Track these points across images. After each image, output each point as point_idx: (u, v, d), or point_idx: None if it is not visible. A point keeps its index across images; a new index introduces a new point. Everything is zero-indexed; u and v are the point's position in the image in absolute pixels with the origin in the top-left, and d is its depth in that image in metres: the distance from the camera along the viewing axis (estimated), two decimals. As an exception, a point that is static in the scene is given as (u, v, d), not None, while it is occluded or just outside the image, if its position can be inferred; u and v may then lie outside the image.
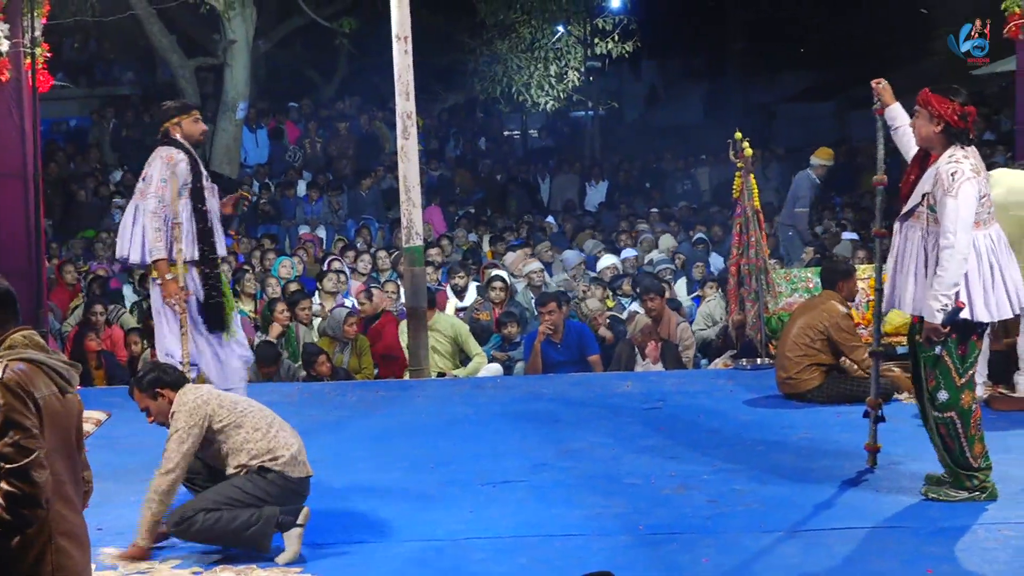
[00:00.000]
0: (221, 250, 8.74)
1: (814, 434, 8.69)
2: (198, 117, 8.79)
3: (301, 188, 21.41)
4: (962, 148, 6.79)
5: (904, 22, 29.71)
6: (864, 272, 10.98)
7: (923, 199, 6.85)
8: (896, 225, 7.09)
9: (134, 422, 9.58)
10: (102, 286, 14.72)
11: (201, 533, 6.50)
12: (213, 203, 8.65)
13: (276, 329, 12.62)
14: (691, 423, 9.17)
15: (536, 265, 14.72)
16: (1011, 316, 6.95)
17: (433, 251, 15.88)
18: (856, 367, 9.58)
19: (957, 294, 6.72)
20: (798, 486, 7.48)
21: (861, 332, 10.82)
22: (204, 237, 8.52)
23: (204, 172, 8.69)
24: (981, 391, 9.12)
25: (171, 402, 6.64)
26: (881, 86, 7.36)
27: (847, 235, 17.07)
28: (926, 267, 6.83)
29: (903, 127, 7.27)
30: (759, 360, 11.05)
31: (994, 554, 6.27)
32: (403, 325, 12.39)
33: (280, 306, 12.87)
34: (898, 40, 31.04)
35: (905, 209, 6.98)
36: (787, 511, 7.01)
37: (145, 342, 12.34)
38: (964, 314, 6.74)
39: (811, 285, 11.41)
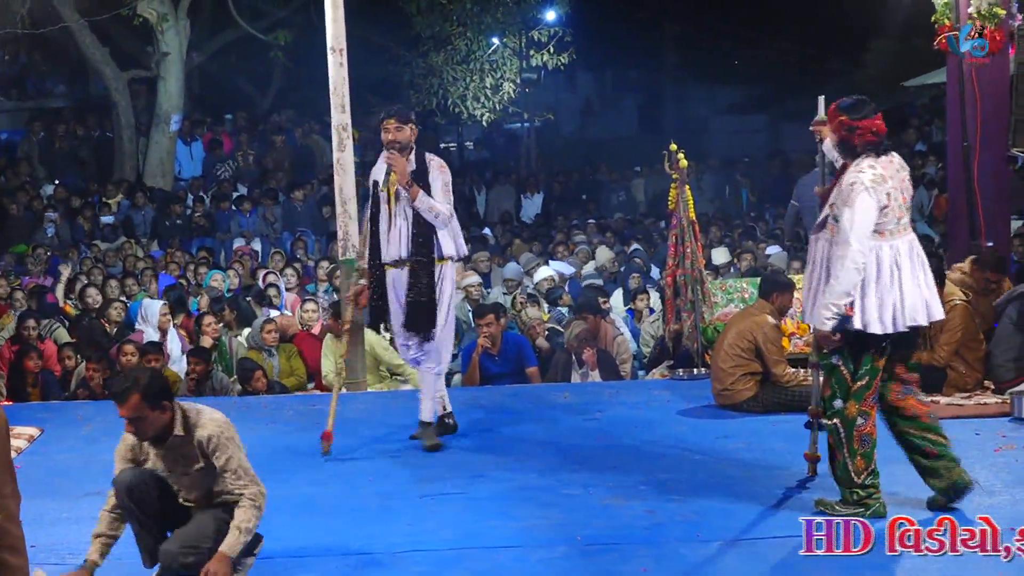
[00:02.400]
0: (393, 254, 8.82)
1: (751, 443, 8.73)
2: (386, 127, 8.89)
3: (236, 201, 21.29)
4: (871, 158, 6.79)
5: (836, 36, 30.03)
6: (800, 283, 11.06)
7: (831, 210, 6.89)
8: (812, 237, 7.14)
9: (68, 439, 9.52)
10: (38, 300, 14.58)
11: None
12: (397, 208, 8.78)
13: (207, 342, 12.53)
14: (628, 433, 9.19)
15: (475, 279, 14.72)
16: (904, 330, 6.84)
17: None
18: (776, 379, 9.63)
19: (852, 303, 6.73)
20: (736, 496, 7.51)
21: (796, 341, 10.92)
22: (371, 241, 8.90)
23: (378, 179, 8.89)
24: None
25: (173, 416, 6.26)
26: (817, 127, 7.36)
27: (771, 249, 17.06)
28: (828, 276, 6.84)
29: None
30: (696, 370, 11.10)
31: (930, 562, 6.33)
32: (326, 342, 12.36)
33: (209, 319, 12.80)
34: (830, 54, 31.37)
35: (818, 221, 7.03)
36: (725, 521, 7.03)
37: (79, 356, 12.24)
38: (857, 324, 6.74)
39: (747, 295, 11.49)
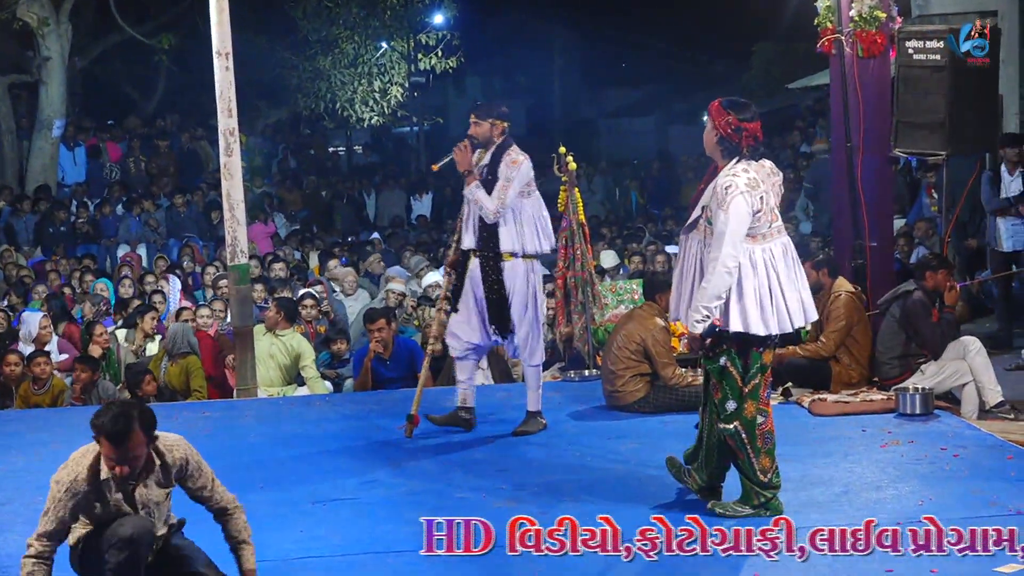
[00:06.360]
0: (467, 243, 9.05)
1: (643, 444, 8.78)
2: (470, 121, 9.11)
3: (120, 207, 21.00)
4: (744, 162, 6.81)
5: (721, 40, 30.38)
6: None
7: (703, 211, 6.90)
8: (681, 237, 7.15)
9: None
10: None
11: None
12: (471, 195, 8.94)
13: (96, 351, 12.34)
14: (521, 436, 9.19)
15: (399, 286, 14.70)
16: (790, 331, 6.96)
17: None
18: (665, 381, 9.69)
19: (726, 307, 6.77)
20: (628, 496, 7.55)
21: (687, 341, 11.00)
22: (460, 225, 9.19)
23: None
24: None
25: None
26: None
27: (672, 248, 17.27)
28: (701, 278, 6.85)
29: None
30: (587, 371, 11.15)
31: (818, 559, 6.41)
32: (260, 336, 12.26)
33: (99, 328, 12.59)
34: (716, 57, 31.76)
35: (689, 221, 7.04)
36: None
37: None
38: (738, 326, 6.78)
39: (636, 296, 11.56)
